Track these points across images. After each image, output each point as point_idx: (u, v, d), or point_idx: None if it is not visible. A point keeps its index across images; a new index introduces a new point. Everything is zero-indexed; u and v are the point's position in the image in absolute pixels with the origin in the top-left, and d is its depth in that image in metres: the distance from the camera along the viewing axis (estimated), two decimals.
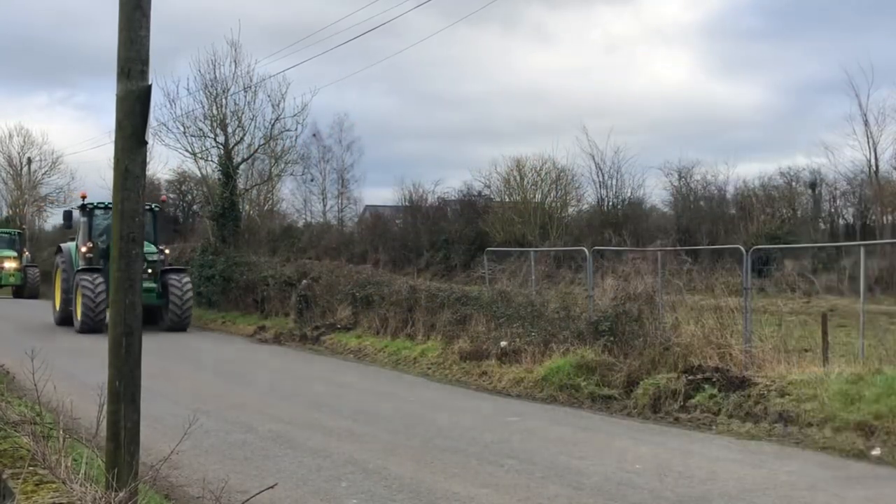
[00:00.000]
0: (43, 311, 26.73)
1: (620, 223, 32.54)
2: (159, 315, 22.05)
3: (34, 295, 37.75)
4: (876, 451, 8.27)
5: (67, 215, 23.14)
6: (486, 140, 68.96)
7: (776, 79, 66.88)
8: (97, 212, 22.50)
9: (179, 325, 21.69)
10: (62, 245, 23.92)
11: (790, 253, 27.65)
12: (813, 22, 69.38)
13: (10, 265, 38.36)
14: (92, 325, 20.19)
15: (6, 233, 41.41)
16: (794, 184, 33.73)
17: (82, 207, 22.43)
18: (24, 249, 40.35)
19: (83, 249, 21.67)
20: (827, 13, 66.97)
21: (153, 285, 21.15)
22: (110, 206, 21.12)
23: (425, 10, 28.21)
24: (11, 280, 38.52)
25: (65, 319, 22.15)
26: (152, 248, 21.46)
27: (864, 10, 64.62)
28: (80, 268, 21.32)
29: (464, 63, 74.31)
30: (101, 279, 20.37)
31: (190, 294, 21.95)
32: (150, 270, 20.93)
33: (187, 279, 22.14)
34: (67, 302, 22.08)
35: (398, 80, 74.30)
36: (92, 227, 22.38)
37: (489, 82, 73.45)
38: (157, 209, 23.56)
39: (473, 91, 72.33)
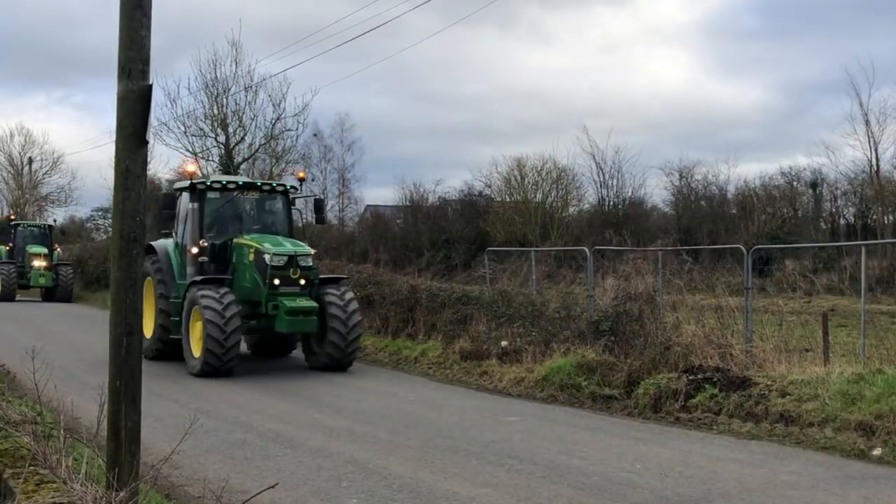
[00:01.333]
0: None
1: (621, 223, 32.56)
2: (308, 345, 15.16)
3: (67, 298, 32.88)
4: (877, 451, 8.27)
5: (169, 200, 15.99)
6: (486, 140, 69.01)
7: (776, 78, 66.92)
8: (210, 195, 15.30)
9: (341, 362, 14.43)
10: (154, 244, 16.10)
11: (791, 253, 27.64)
12: (812, 21, 69.40)
13: (39, 263, 32.88)
14: (219, 366, 13.35)
15: (35, 227, 36.36)
16: (795, 183, 33.72)
17: (190, 188, 15.23)
18: (56, 245, 35.11)
19: (194, 250, 14.84)
20: (825, 13, 67.02)
21: (311, 304, 14.07)
22: (231, 184, 15.54)
23: (424, 11, 28.25)
24: (41, 281, 32.96)
25: (163, 353, 15.12)
26: (303, 248, 14.71)
27: (863, 9, 64.67)
28: (194, 279, 14.37)
29: (463, 63, 74.33)
30: (230, 296, 13.70)
31: (358, 317, 14.58)
32: (302, 281, 14.23)
33: (350, 294, 14.86)
34: (167, 328, 15.05)
35: (398, 81, 74.36)
36: (203, 218, 15.15)
37: (489, 82, 73.50)
38: (293, 191, 16.16)
39: (473, 91, 72.36)
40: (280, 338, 15.65)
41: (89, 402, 6.77)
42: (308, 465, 7.86)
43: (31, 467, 5.35)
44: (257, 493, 5.47)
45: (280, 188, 16.08)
